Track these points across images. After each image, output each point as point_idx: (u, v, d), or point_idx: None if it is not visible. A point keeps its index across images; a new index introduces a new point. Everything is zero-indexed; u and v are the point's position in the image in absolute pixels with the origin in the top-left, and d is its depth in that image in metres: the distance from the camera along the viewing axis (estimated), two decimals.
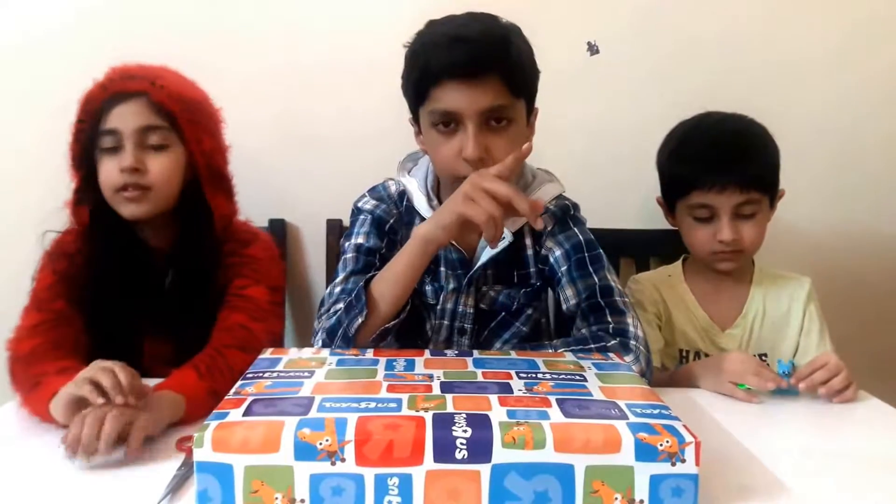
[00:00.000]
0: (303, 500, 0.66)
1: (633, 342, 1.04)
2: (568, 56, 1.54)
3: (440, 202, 1.13)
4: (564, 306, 1.12)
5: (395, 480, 0.66)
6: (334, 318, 1.04)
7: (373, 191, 1.19)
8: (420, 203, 1.14)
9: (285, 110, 1.55)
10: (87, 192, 1.08)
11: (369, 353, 0.94)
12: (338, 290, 1.07)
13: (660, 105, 1.51)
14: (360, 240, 1.13)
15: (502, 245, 1.10)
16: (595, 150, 1.59)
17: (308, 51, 1.53)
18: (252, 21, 1.52)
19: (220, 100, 1.14)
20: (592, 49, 1.47)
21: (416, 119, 1.10)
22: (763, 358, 1.28)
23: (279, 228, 1.57)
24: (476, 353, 0.95)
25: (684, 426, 0.68)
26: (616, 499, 0.66)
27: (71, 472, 0.79)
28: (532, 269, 1.16)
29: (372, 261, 1.10)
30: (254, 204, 1.45)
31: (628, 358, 1.00)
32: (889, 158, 1.62)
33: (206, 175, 1.12)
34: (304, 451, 0.66)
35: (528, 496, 0.66)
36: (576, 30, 1.54)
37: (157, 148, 1.07)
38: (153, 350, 0.94)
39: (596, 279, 1.10)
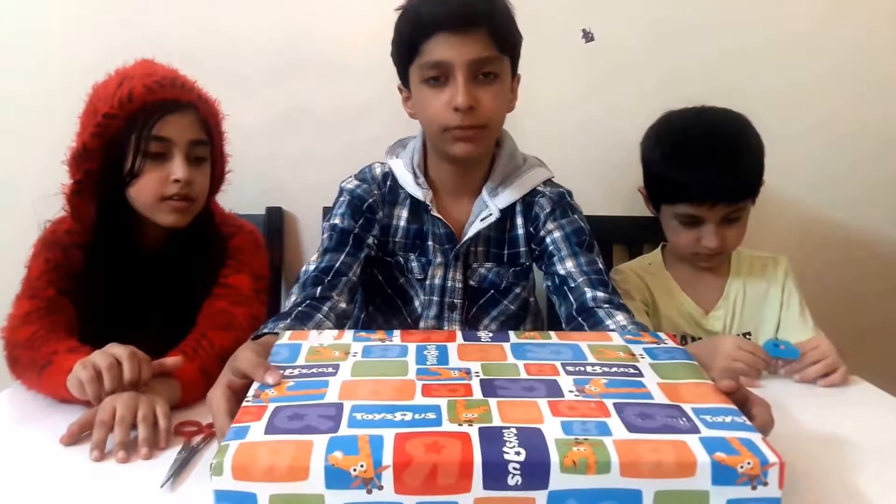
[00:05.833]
0: None
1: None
2: (562, 41, 1.50)
3: (426, 178, 1.17)
4: (563, 271, 1.12)
5: None
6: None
7: (360, 172, 1.22)
8: (406, 181, 1.17)
9: (283, 99, 1.52)
10: (102, 185, 1.04)
11: (396, 338, 0.86)
12: (312, 266, 1.11)
13: (655, 90, 1.48)
14: (336, 220, 1.17)
15: (489, 220, 1.14)
16: (590, 135, 1.55)
17: (307, 39, 1.50)
18: (251, 11, 1.49)
19: (218, 89, 1.13)
20: (587, 36, 1.46)
21: (405, 82, 1.12)
22: (748, 336, 1.28)
23: (276, 216, 1.56)
24: (513, 336, 0.87)
25: (764, 441, 0.61)
26: None
27: (72, 457, 0.79)
28: (522, 249, 1.19)
29: (345, 240, 1.14)
30: (251, 192, 1.49)
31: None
32: (877, 145, 1.57)
33: (218, 181, 1.15)
34: (337, 477, 0.58)
35: None
36: (570, 16, 1.50)
37: (199, 161, 1.08)
38: (142, 341, 0.93)
39: (599, 262, 1.14)
